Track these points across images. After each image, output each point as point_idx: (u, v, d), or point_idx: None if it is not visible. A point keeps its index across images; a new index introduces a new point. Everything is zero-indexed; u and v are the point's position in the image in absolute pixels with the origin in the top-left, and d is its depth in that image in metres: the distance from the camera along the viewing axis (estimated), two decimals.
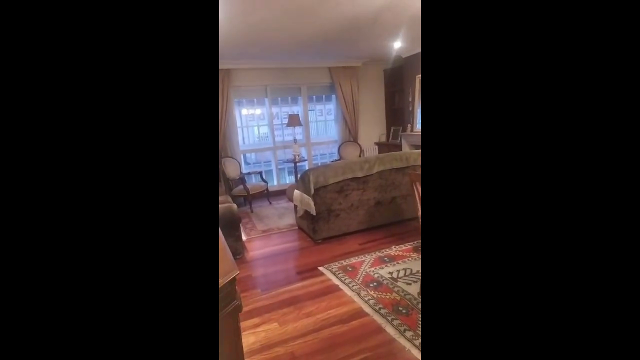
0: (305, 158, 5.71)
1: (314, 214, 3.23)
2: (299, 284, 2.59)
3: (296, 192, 3.43)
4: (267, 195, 5.12)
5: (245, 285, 2.65)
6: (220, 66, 4.85)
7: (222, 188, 4.50)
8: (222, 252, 1.39)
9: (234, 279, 1.22)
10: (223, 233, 3.25)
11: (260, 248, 3.43)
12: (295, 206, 3.63)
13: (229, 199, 4.06)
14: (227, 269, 1.23)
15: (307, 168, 5.82)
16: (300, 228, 3.81)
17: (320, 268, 2.80)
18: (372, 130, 6.23)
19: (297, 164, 5.28)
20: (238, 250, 3.16)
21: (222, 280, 1.16)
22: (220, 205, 3.19)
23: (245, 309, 2.32)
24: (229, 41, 3.80)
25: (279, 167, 5.83)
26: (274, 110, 5.63)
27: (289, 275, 2.77)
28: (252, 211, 4.74)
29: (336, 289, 2.46)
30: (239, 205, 4.99)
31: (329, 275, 2.67)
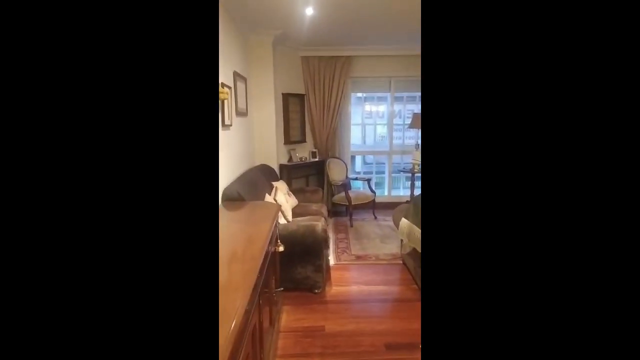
0: None
1: None
2: None
3: (404, 221, 2.47)
4: (374, 207, 4.27)
5: (312, 345, 1.90)
6: (339, 53, 4.21)
7: (319, 194, 3.87)
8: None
9: None
10: (299, 260, 2.59)
11: (348, 283, 2.63)
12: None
13: (324, 209, 3.38)
14: None
15: None
16: (405, 265, 2.85)
17: None
18: None
19: (416, 175, 4.25)
20: (317, 284, 2.44)
21: None
22: (302, 220, 2.53)
23: None
24: (347, 20, 3.07)
25: (393, 174, 4.89)
26: (397, 107, 4.70)
27: (373, 345, 1.89)
28: (351, 225, 3.98)
29: None
30: (338, 215, 4.31)
31: None
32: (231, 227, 1.80)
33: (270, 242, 1.85)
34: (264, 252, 1.48)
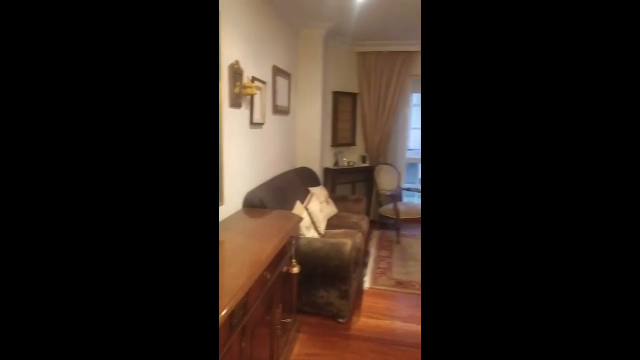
0: None
1: None
2: None
3: None
4: None
5: None
6: (399, 48, 3.77)
7: (362, 204, 3.48)
8: None
9: None
10: (321, 282, 1.99)
11: (381, 316, 2.22)
12: None
13: (365, 222, 3.00)
14: None
15: None
16: None
17: None
18: None
19: None
20: (342, 312, 2.09)
21: None
22: (335, 234, 2.19)
23: None
24: (402, 10, 2.65)
25: None
26: None
27: None
28: (398, 242, 3.52)
29: None
30: (386, 228, 3.87)
31: None
32: (232, 242, 1.55)
33: (278, 263, 1.56)
34: (253, 280, 1.18)
